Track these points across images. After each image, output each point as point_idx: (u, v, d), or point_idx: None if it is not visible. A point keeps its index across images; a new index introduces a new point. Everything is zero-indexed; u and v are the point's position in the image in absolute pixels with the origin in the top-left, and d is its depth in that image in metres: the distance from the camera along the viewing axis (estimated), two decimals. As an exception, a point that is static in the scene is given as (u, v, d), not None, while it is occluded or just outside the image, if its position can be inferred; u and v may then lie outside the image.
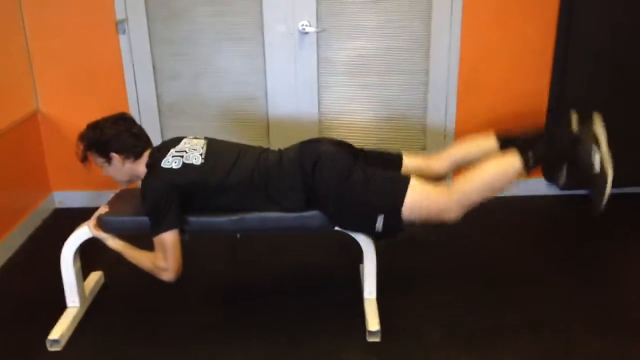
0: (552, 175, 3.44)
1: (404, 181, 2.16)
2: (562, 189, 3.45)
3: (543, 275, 2.70)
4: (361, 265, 2.49)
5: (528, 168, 2.11)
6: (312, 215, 2.25)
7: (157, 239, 2.18)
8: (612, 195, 3.41)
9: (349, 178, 2.15)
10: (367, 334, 2.30)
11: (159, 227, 2.16)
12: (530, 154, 2.09)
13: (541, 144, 2.17)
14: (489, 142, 2.36)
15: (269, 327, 2.40)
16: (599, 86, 3.18)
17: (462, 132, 3.41)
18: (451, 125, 3.40)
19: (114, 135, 2.24)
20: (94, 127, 2.27)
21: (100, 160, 2.29)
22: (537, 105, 3.36)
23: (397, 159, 2.41)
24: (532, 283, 2.62)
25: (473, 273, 2.71)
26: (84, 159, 2.29)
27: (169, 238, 2.17)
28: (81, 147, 2.27)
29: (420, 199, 2.14)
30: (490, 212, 3.35)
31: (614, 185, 2.05)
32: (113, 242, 2.31)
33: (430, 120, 3.40)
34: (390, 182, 2.18)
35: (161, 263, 2.19)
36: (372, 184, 2.16)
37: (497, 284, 2.63)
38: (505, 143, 2.31)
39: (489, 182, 2.13)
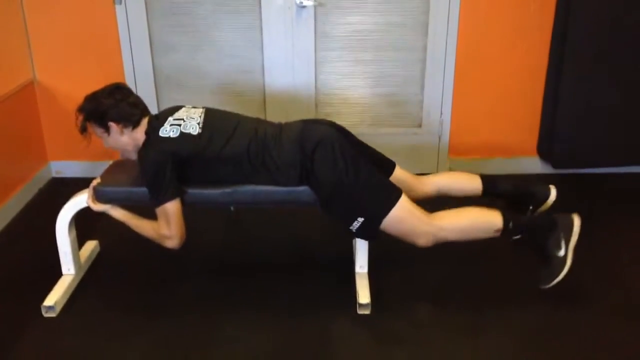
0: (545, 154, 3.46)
1: (396, 194, 2.20)
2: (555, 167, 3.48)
3: (533, 253, 2.73)
4: (354, 239, 2.52)
5: (505, 234, 2.26)
6: (305, 190, 2.27)
7: (159, 209, 2.21)
8: (607, 175, 3.45)
9: (346, 170, 2.17)
10: (357, 306, 2.34)
11: (160, 197, 2.18)
12: (511, 224, 2.23)
13: (523, 220, 2.33)
14: (475, 184, 2.52)
15: (261, 299, 2.43)
16: (598, 62, 3.17)
17: (458, 109, 3.42)
18: (448, 102, 3.40)
19: (111, 105, 2.25)
20: (91, 98, 2.29)
21: (99, 130, 2.30)
22: (535, 82, 3.37)
23: (389, 165, 2.47)
24: (522, 260, 2.65)
25: (465, 249, 2.73)
26: (84, 130, 2.30)
27: (172, 207, 2.19)
28: (80, 118, 2.28)
29: (402, 218, 2.20)
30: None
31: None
32: (116, 212, 2.34)
33: (427, 97, 3.40)
34: (383, 190, 2.22)
35: (165, 231, 2.22)
36: (366, 184, 2.19)
37: (488, 260, 2.66)
38: (489, 192, 2.52)
39: (468, 230, 2.27)
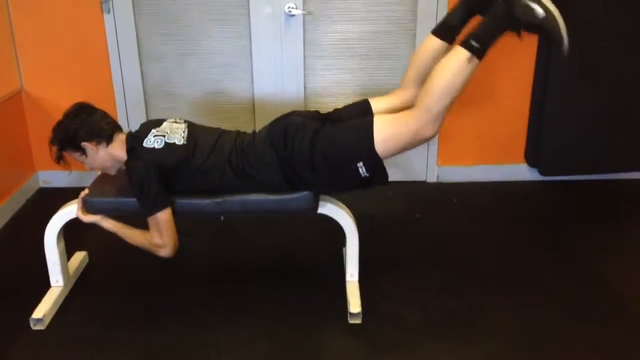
0: (533, 160, 3.49)
1: (367, 121, 2.20)
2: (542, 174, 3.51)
3: (523, 259, 2.75)
4: (344, 248, 2.52)
5: (477, 53, 2.08)
6: (295, 198, 2.27)
7: (151, 219, 2.20)
8: (594, 182, 3.48)
9: (316, 140, 2.18)
10: (348, 315, 2.34)
11: (151, 207, 2.18)
12: (472, 42, 2.07)
13: (480, 28, 2.12)
14: (435, 43, 2.31)
15: (250, 308, 2.43)
16: (585, 69, 3.20)
17: (446, 117, 3.41)
18: (436, 109, 3.41)
19: (79, 125, 2.23)
20: (58, 126, 2.27)
21: (76, 155, 2.28)
22: (522, 89, 3.40)
23: (365, 109, 2.38)
24: (512, 266, 2.67)
25: (454, 256, 2.75)
26: (60, 159, 2.29)
27: (163, 216, 2.19)
28: (54, 149, 2.27)
29: (389, 131, 2.16)
30: (472, 196, 3.40)
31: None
32: (106, 223, 2.33)
33: (415, 105, 3.41)
34: (353, 128, 2.22)
35: (157, 241, 2.22)
36: (339, 137, 2.20)
37: (478, 267, 2.68)
38: (451, 35, 2.30)
39: (448, 86, 2.10)
